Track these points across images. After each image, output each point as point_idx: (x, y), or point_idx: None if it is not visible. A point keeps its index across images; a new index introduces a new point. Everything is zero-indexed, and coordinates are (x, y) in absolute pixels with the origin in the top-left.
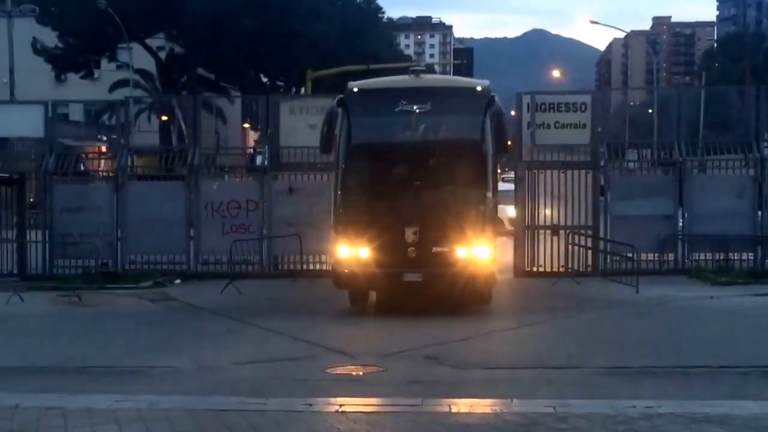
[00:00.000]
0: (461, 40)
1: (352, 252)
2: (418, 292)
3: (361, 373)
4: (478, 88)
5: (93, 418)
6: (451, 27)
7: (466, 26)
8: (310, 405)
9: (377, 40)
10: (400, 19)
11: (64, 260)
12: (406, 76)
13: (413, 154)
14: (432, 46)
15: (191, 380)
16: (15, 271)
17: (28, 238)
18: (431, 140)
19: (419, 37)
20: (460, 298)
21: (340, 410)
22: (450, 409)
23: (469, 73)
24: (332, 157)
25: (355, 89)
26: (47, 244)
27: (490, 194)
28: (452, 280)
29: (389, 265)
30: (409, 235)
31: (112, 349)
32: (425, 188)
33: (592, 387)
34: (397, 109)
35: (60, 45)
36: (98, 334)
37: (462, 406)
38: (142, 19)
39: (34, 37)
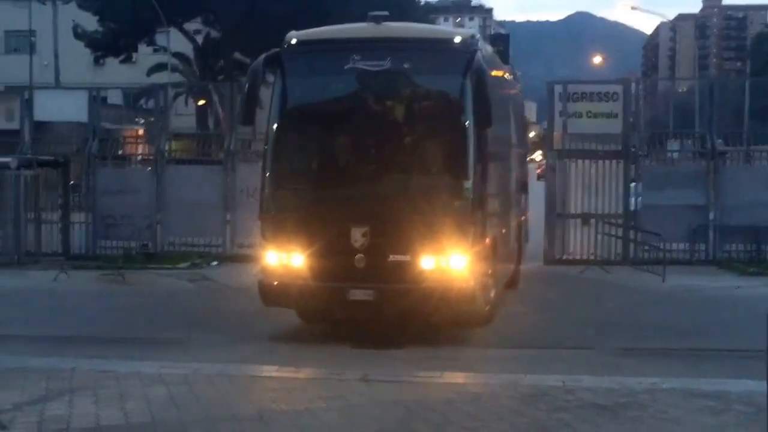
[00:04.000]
0: (502, 24)
1: (281, 259)
2: (369, 314)
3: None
4: (456, 40)
5: (143, 380)
6: (491, 10)
7: (507, 9)
8: (339, 374)
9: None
10: (439, 1)
11: (106, 241)
12: (364, 24)
13: (365, 129)
14: (471, 29)
15: (229, 351)
16: (59, 251)
17: (71, 219)
18: (390, 110)
19: (458, 20)
20: (438, 320)
21: (364, 378)
22: (467, 381)
23: (504, 60)
24: (259, 134)
25: (294, 40)
26: (91, 226)
27: (469, 183)
28: (414, 299)
29: (330, 277)
30: (357, 237)
31: (155, 322)
32: (380, 175)
33: (603, 366)
34: (346, 67)
35: (100, 29)
36: (141, 310)
37: (477, 378)
38: (180, 3)
39: (74, 21)
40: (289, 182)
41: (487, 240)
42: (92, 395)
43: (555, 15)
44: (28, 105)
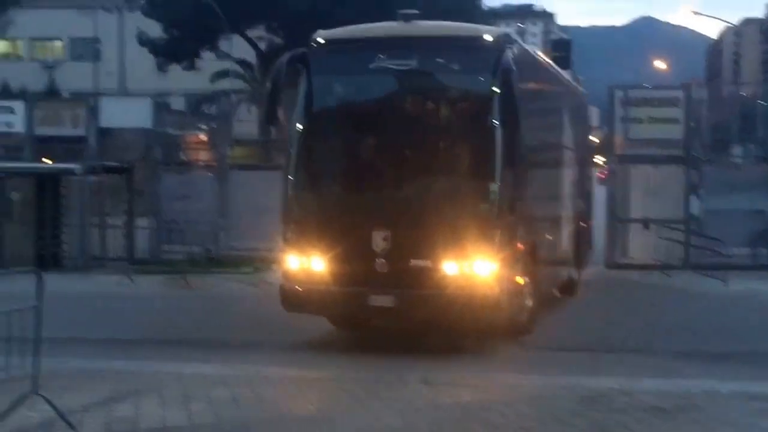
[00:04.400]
0: (565, 29)
1: (302, 263)
2: (390, 321)
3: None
4: (486, 38)
5: (207, 382)
6: (554, 15)
7: (571, 14)
8: (399, 376)
9: None
10: (502, 6)
11: (169, 245)
12: (393, 23)
13: (389, 130)
14: (534, 35)
15: (290, 353)
16: (124, 256)
17: (135, 224)
18: (415, 110)
19: (521, 25)
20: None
21: (424, 380)
22: (526, 383)
23: (566, 65)
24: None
25: (321, 39)
26: (154, 230)
27: (495, 185)
28: (436, 306)
29: (350, 282)
30: (378, 241)
31: (218, 326)
32: (402, 177)
33: (662, 369)
34: (371, 66)
35: (164, 36)
36: (204, 313)
37: (535, 380)
38: (243, 11)
39: (138, 28)
40: (310, 184)
41: (521, 245)
42: (158, 396)
43: (620, 20)
44: (93, 112)
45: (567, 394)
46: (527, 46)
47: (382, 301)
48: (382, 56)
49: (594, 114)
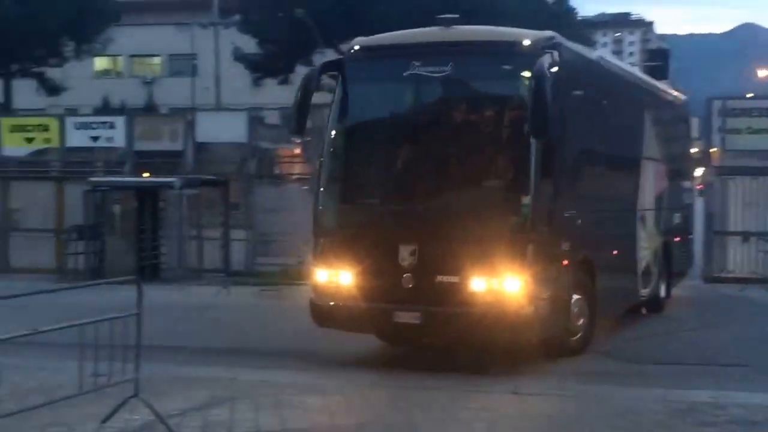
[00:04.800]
0: (663, 37)
1: (331, 277)
2: (417, 338)
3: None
4: (523, 42)
5: (300, 389)
6: (651, 23)
7: (670, 22)
8: (488, 387)
9: (569, 40)
10: (597, 16)
11: (264, 257)
12: (432, 28)
13: (421, 140)
14: (631, 44)
15: (376, 362)
16: (220, 267)
17: (231, 236)
18: (448, 119)
19: (617, 35)
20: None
21: (514, 391)
22: (615, 395)
23: (663, 75)
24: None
25: (357, 46)
26: (249, 243)
27: (527, 198)
28: (463, 323)
29: (376, 298)
30: (405, 256)
31: (311, 336)
32: (430, 189)
33: (757, 383)
34: (405, 74)
35: (259, 52)
36: (297, 324)
37: (625, 392)
38: (336, 24)
39: (233, 44)
40: (339, 196)
41: (567, 261)
42: (252, 402)
43: (720, 27)
44: (190, 127)
45: (658, 407)
46: (584, 50)
47: (408, 317)
48: (416, 63)
49: (693, 125)
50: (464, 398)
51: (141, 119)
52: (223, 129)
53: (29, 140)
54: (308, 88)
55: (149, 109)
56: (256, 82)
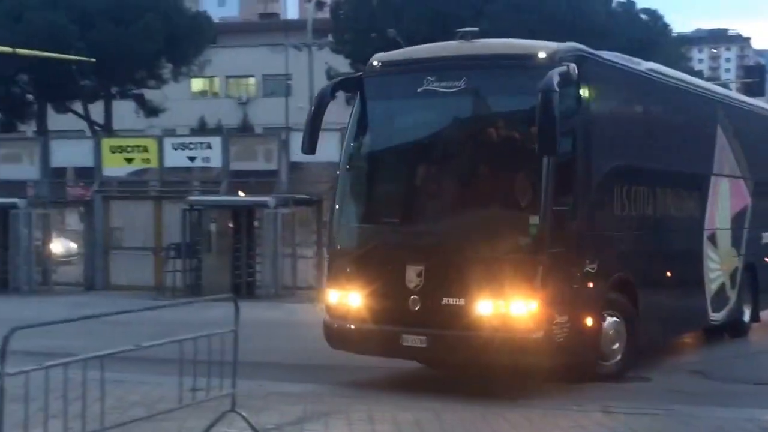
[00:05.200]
0: (761, 53)
1: (342, 298)
2: (424, 361)
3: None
4: (540, 55)
5: (391, 404)
6: (749, 39)
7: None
8: (579, 406)
9: (663, 57)
10: (694, 32)
11: None
12: (450, 42)
13: (433, 158)
14: (728, 60)
15: (471, 383)
16: (313, 285)
17: (324, 254)
18: (459, 137)
19: (714, 51)
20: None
21: (605, 409)
22: (706, 414)
23: (760, 92)
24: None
25: (375, 62)
26: None
27: (536, 218)
28: (471, 348)
29: (383, 320)
30: (412, 277)
31: None
32: (441, 208)
33: None
34: (419, 90)
35: (351, 71)
36: None
37: (716, 411)
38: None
39: (327, 64)
40: (353, 215)
41: (593, 283)
42: (345, 417)
43: None
44: (285, 146)
45: (748, 426)
46: (625, 61)
47: (414, 341)
48: (430, 78)
49: None
50: (559, 417)
51: (236, 139)
52: (318, 149)
53: (129, 160)
54: (321, 104)
55: (244, 129)
56: (349, 102)
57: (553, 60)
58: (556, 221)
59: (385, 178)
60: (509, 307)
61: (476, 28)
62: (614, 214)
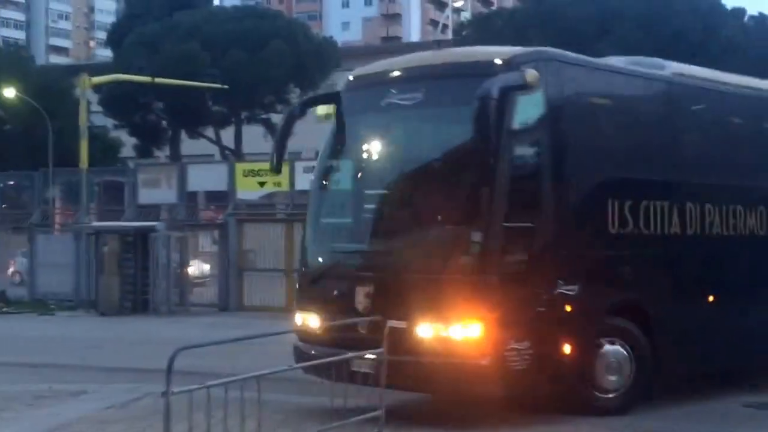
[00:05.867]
0: None
1: (305, 321)
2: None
3: None
4: (496, 62)
5: None
6: None
7: None
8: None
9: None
10: None
11: None
12: (423, 53)
13: (386, 175)
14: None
15: None
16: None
17: None
18: (413, 150)
19: None
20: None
21: None
22: None
23: None
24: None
25: (351, 77)
26: None
27: (478, 234)
28: (416, 374)
29: (337, 343)
30: (361, 299)
31: None
32: (389, 228)
33: None
34: (382, 104)
35: None
36: None
37: None
38: None
39: None
40: (314, 236)
41: (572, 307)
42: None
43: None
44: None
45: None
46: (602, 63)
47: (362, 366)
48: (393, 91)
49: None
50: None
51: None
52: None
53: (261, 184)
54: (287, 125)
55: None
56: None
57: (510, 65)
58: (509, 239)
59: (342, 198)
60: (451, 331)
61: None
62: (609, 231)
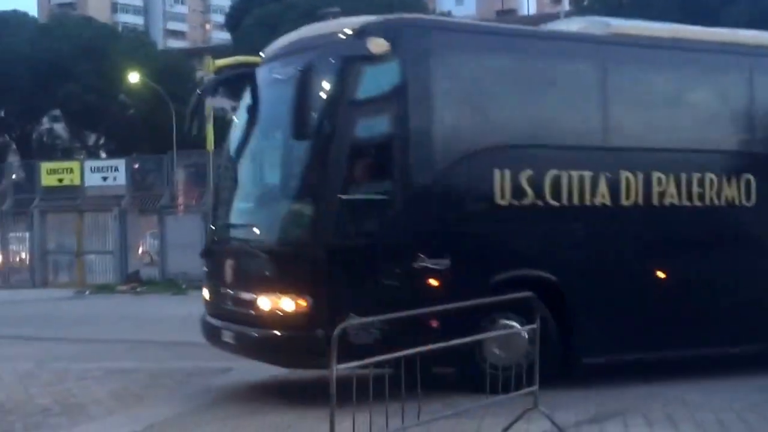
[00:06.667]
0: None
1: (203, 295)
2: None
3: None
4: (345, 32)
5: (687, 405)
6: None
7: None
8: None
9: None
10: None
11: None
12: (317, 24)
13: (250, 149)
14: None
15: None
16: None
17: None
18: (271, 125)
19: None
20: None
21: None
22: None
23: None
24: None
25: (262, 53)
26: None
27: (311, 208)
28: (261, 346)
29: (212, 314)
30: (227, 272)
31: None
32: (245, 201)
33: None
34: (267, 79)
35: None
36: None
37: None
38: None
39: None
40: (211, 211)
41: (442, 283)
42: (642, 417)
43: None
44: None
45: None
46: (471, 26)
47: (227, 336)
48: (275, 66)
49: None
50: None
51: None
52: None
53: None
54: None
55: None
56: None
57: (360, 36)
58: (348, 212)
59: (225, 174)
60: (285, 304)
61: (337, 9)
62: (496, 203)
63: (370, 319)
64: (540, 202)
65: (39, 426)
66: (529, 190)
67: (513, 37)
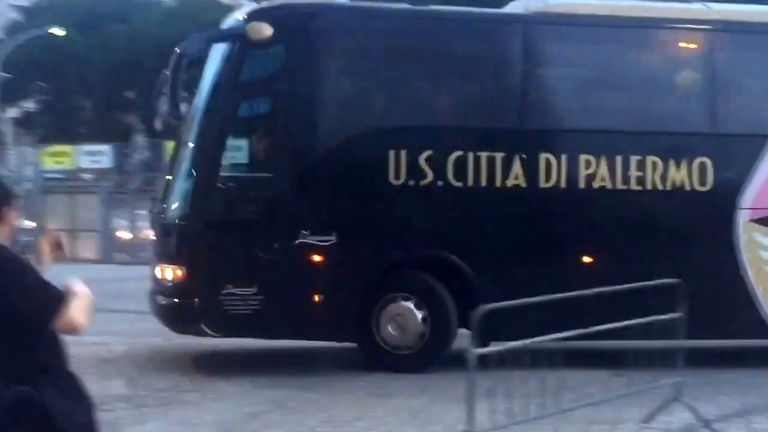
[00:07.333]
0: None
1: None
2: None
3: None
4: (236, 18)
5: None
6: None
7: None
8: None
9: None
10: None
11: None
12: None
13: (183, 129)
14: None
15: None
16: None
17: None
18: (194, 110)
19: None
20: None
21: None
22: None
23: None
24: None
25: None
26: None
27: (191, 184)
28: (164, 313)
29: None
30: (156, 245)
31: None
32: (165, 179)
33: None
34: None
35: None
36: None
37: None
38: None
39: None
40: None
41: (327, 260)
42: None
43: None
44: None
45: None
46: (363, 7)
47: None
48: (189, 46)
49: None
50: None
51: None
52: None
53: None
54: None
55: None
56: None
57: (246, 21)
58: (228, 188)
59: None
60: (169, 273)
61: None
62: (390, 183)
63: None
64: (440, 182)
65: (171, 402)
66: (428, 171)
67: (401, 18)
